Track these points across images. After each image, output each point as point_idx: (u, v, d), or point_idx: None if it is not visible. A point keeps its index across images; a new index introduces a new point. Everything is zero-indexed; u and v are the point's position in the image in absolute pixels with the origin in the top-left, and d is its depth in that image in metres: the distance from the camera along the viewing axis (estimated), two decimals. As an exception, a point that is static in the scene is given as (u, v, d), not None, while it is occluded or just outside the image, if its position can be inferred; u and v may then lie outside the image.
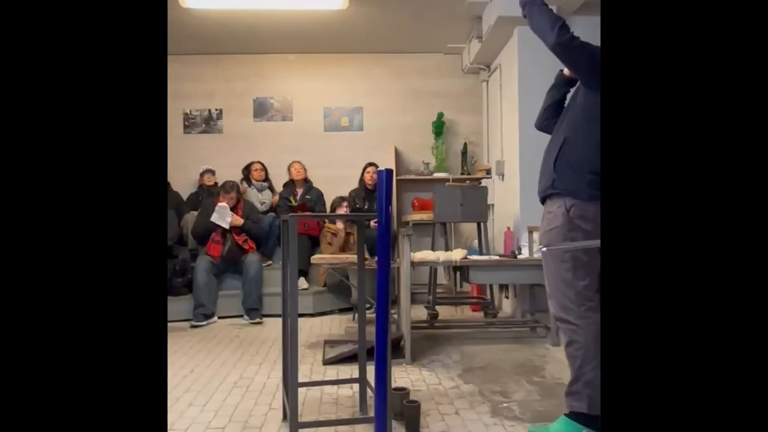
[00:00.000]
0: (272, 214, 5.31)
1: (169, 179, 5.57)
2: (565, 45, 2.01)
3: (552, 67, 2.25)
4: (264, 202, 5.42)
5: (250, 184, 5.46)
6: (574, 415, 2.01)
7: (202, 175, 5.60)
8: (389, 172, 1.56)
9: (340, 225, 4.87)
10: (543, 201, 2.18)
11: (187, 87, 5.89)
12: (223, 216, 4.62)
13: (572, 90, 2.28)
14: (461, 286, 5.00)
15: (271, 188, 5.58)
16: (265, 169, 5.57)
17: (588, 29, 4.50)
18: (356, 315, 3.27)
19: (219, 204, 4.63)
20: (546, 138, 2.28)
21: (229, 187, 4.78)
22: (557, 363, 3.07)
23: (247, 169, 5.55)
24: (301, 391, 2.53)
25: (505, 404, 2.41)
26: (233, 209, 4.75)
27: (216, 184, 5.44)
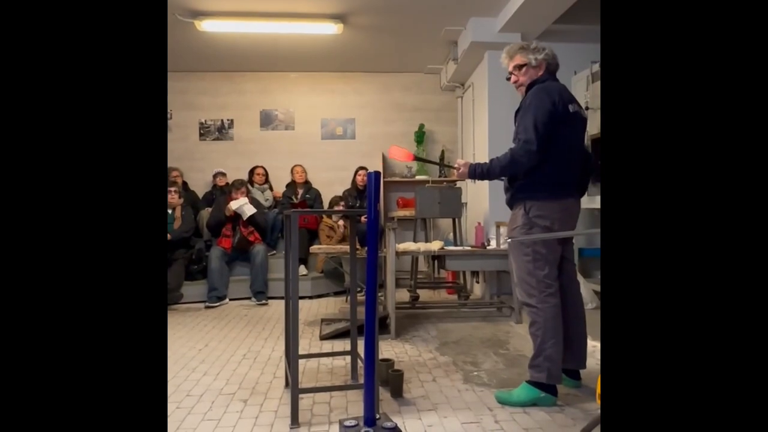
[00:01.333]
0: (275, 209, 5.29)
1: (186, 180, 5.53)
2: (527, 141, 1.99)
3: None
4: (267, 200, 5.40)
5: (253, 186, 5.43)
6: (534, 383, 2.03)
7: (215, 177, 5.56)
8: (377, 174, 1.56)
9: (339, 220, 4.86)
10: (511, 208, 2.21)
11: (203, 100, 5.84)
12: (243, 207, 4.59)
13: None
14: (438, 273, 5.02)
15: (270, 188, 5.56)
16: (266, 173, 5.54)
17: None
18: (348, 297, 3.27)
19: (234, 201, 4.59)
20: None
21: (239, 183, 4.79)
22: (519, 338, 3.09)
23: (251, 173, 5.51)
24: (301, 362, 2.52)
25: (475, 373, 2.43)
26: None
27: (227, 184, 5.41)
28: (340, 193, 5.34)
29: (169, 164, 5.37)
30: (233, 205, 4.58)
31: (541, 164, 2.03)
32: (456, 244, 4.26)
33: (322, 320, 3.45)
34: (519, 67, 2.17)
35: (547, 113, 1.99)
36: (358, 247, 2.48)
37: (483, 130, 4.66)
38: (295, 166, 5.56)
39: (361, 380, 1.80)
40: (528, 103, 2.06)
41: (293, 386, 1.84)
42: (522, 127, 2.04)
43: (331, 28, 4.39)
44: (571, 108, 2.05)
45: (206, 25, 4.31)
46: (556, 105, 2.00)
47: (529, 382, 2.04)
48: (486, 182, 4.46)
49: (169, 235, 4.47)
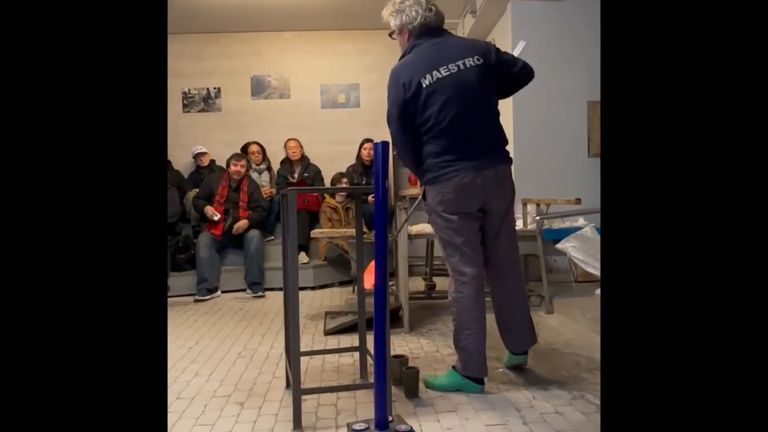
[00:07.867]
0: (272, 190, 5.30)
1: (169, 158, 5.54)
2: (395, 142, 2.20)
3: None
4: (263, 184, 5.38)
5: (250, 166, 5.42)
6: (457, 370, 2.18)
7: (195, 158, 5.53)
8: (385, 144, 1.56)
9: (339, 198, 4.87)
10: None
11: (186, 65, 5.82)
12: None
13: None
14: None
15: (269, 169, 5.53)
16: (262, 150, 5.50)
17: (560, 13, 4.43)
18: (356, 287, 3.28)
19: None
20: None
21: (238, 157, 4.89)
22: (550, 330, 3.10)
23: (244, 151, 5.47)
24: (304, 360, 2.55)
25: (500, 369, 2.44)
26: (239, 183, 4.78)
27: (212, 161, 5.42)
28: (343, 170, 5.33)
29: (150, 140, 5.37)
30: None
31: (423, 146, 2.14)
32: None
33: (327, 313, 3.47)
34: (391, 34, 2.27)
35: (394, 103, 2.12)
36: (365, 230, 2.48)
37: (506, 93, 4.60)
38: (288, 140, 5.51)
39: (371, 379, 1.82)
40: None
41: (295, 387, 1.86)
42: None
43: (330, -20, 4.34)
44: (428, 80, 2.06)
45: (186, -20, 4.28)
46: (404, 88, 2.08)
47: (454, 367, 2.19)
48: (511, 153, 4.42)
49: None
